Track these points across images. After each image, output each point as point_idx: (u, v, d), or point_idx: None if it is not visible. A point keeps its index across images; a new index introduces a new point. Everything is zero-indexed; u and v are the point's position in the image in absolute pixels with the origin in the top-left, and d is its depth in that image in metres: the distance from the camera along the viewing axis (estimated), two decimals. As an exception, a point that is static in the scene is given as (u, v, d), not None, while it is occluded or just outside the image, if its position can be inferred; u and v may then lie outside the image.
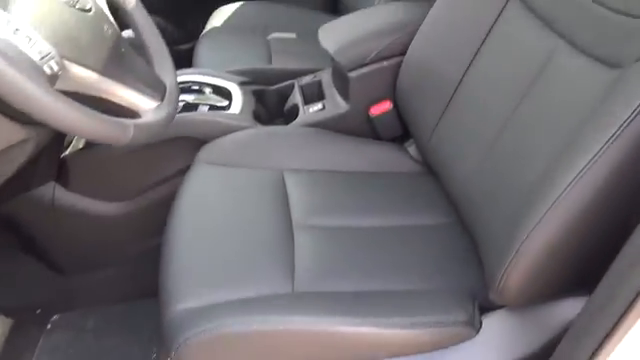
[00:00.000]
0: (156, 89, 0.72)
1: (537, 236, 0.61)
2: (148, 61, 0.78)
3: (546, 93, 0.76)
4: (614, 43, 0.68)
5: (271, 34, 1.46)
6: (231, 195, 0.95)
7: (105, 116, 0.58)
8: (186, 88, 1.13)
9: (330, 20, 1.57)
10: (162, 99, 0.72)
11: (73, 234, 1.10)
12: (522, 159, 0.75)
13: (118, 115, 0.64)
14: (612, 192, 0.58)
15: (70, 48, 0.60)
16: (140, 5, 0.80)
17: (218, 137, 1.04)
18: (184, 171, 1.01)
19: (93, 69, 0.63)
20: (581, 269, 0.65)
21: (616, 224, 0.61)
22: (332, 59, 1.09)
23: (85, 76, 0.62)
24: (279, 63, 1.34)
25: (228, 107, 1.12)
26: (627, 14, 0.67)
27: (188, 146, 1.05)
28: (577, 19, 0.75)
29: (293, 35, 1.47)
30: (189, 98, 1.11)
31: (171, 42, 1.66)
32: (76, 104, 0.56)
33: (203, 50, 1.42)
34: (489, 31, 0.88)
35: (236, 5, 1.56)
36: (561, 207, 0.59)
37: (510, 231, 0.66)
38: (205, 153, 1.02)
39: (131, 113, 0.69)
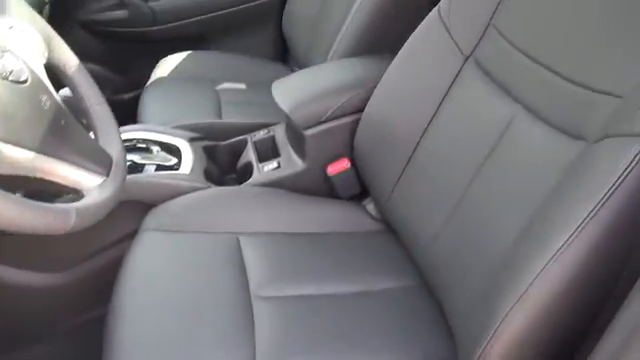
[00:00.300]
0: (100, 163, 0.65)
1: (515, 318, 0.58)
2: (91, 129, 0.71)
3: (507, 160, 0.75)
4: (574, 114, 0.68)
5: (220, 84, 1.42)
6: (182, 264, 0.89)
7: (41, 204, 0.52)
8: (131, 147, 1.06)
9: (280, 70, 1.57)
10: (107, 173, 0.65)
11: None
12: (485, 229, 0.73)
13: (57, 195, 0.57)
14: (593, 268, 0.57)
15: (3, 127, 0.53)
16: (82, 68, 0.74)
17: (167, 200, 0.98)
18: (131, 235, 0.94)
19: (29, 148, 0.56)
20: (562, 344, 0.63)
21: (598, 297, 0.60)
22: (286, 115, 1.06)
23: (20, 157, 0.55)
24: (230, 116, 1.29)
25: (177, 166, 1.05)
26: (585, 86, 0.67)
27: (134, 210, 0.97)
28: (533, 87, 0.75)
29: (243, 85, 1.44)
30: (135, 157, 1.04)
31: (113, 92, 1.60)
32: (5, 194, 0.49)
33: (149, 102, 1.35)
34: (446, 93, 0.88)
35: (183, 54, 1.51)
36: (539, 288, 0.57)
37: (483, 310, 0.64)
38: (153, 218, 0.95)
39: (73, 191, 0.62)
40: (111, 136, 0.71)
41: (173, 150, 1.09)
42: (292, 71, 1.56)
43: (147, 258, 0.89)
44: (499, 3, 0.84)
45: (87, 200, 0.61)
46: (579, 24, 0.71)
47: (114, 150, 0.69)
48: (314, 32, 1.39)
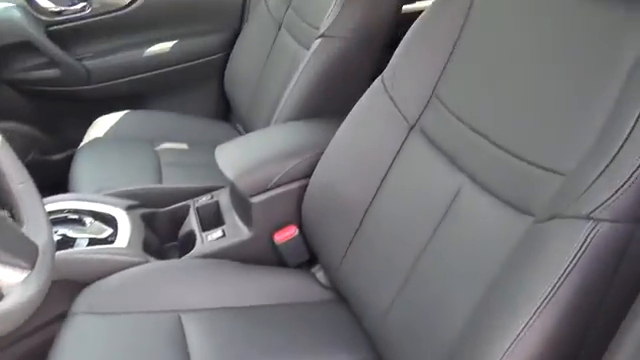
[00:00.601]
0: (24, 254, 0.59)
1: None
2: (14, 214, 0.64)
3: (454, 234, 0.74)
4: (519, 188, 0.67)
5: (160, 145, 1.37)
6: (117, 350, 0.81)
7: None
8: (62, 219, 0.98)
9: (224, 128, 1.53)
10: (32, 266, 0.59)
11: None
12: (436, 305, 0.72)
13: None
14: (555, 348, 0.56)
15: None
16: (4, 144, 0.67)
17: (101, 278, 0.90)
18: (60, 317, 0.86)
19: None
20: None
21: None
22: (231, 182, 1.02)
23: None
24: (171, 180, 1.24)
25: (113, 238, 0.98)
26: (527, 161, 0.67)
27: (64, 290, 0.89)
28: (477, 158, 0.74)
29: (184, 146, 1.39)
30: (66, 231, 0.96)
31: (41, 152, 1.50)
32: None
33: (82, 164, 1.28)
34: (392, 162, 0.87)
35: (120, 114, 1.45)
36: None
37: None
38: (85, 299, 0.87)
39: (-10, 291, 0.55)
40: (37, 219, 0.64)
41: (108, 220, 1.02)
42: (236, 129, 1.53)
43: (77, 344, 0.81)
44: (441, 74, 0.85)
45: (7, 302, 0.53)
46: (517, 99, 0.72)
47: (40, 236, 0.62)
48: (257, 92, 1.38)
